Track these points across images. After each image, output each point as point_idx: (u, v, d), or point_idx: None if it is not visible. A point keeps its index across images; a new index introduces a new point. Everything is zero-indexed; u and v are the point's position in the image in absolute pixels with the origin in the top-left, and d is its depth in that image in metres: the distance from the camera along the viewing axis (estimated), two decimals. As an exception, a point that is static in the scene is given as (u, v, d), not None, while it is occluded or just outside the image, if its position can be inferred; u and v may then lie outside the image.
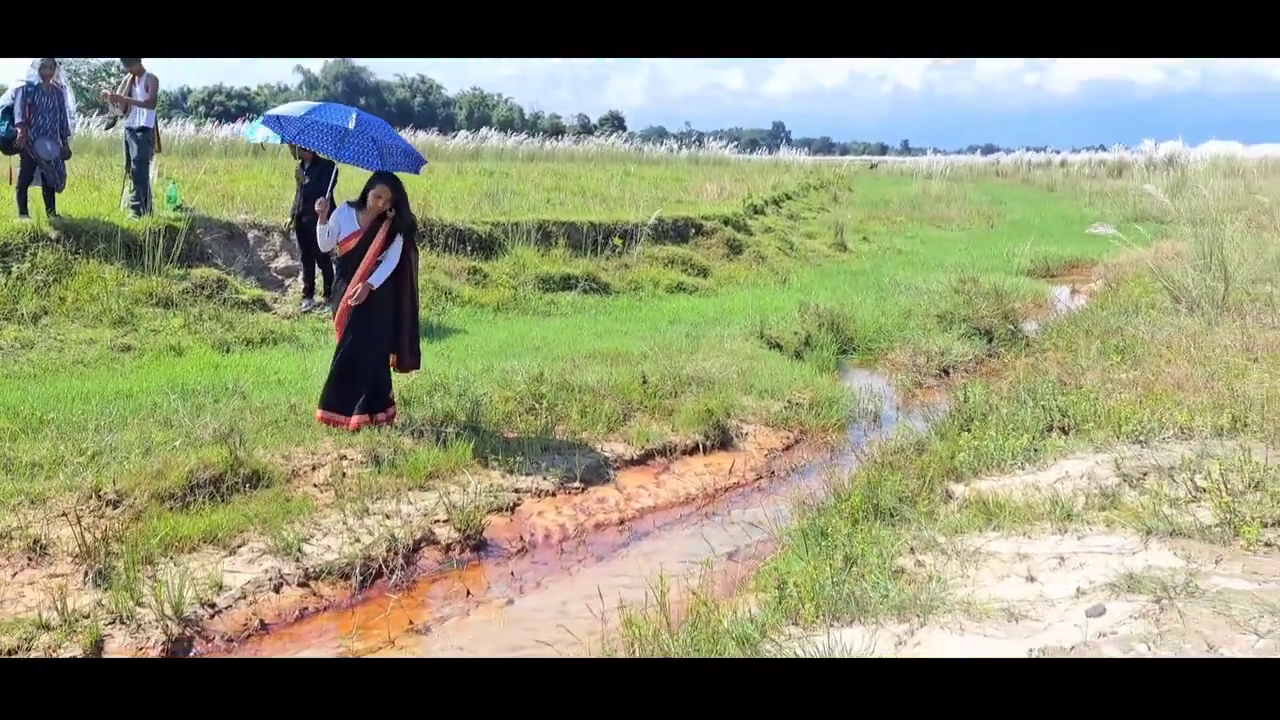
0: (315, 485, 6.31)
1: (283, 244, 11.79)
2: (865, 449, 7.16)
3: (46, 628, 4.55)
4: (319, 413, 7.06)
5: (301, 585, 5.29)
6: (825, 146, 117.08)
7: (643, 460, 7.51)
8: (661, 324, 11.55)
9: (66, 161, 10.66)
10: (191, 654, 4.68)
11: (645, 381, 8.49)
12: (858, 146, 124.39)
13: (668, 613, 4.34)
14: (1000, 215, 28.24)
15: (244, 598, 5.09)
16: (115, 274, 9.90)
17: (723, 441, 7.93)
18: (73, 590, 4.87)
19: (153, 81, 11.20)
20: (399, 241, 7.10)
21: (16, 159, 10.25)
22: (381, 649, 4.84)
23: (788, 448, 8.09)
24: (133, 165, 11.31)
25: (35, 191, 10.41)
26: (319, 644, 4.90)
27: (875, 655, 3.70)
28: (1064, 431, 6.54)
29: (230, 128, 27.56)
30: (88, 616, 4.66)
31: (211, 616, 4.91)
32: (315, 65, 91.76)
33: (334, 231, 7.11)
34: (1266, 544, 4.41)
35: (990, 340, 11.37)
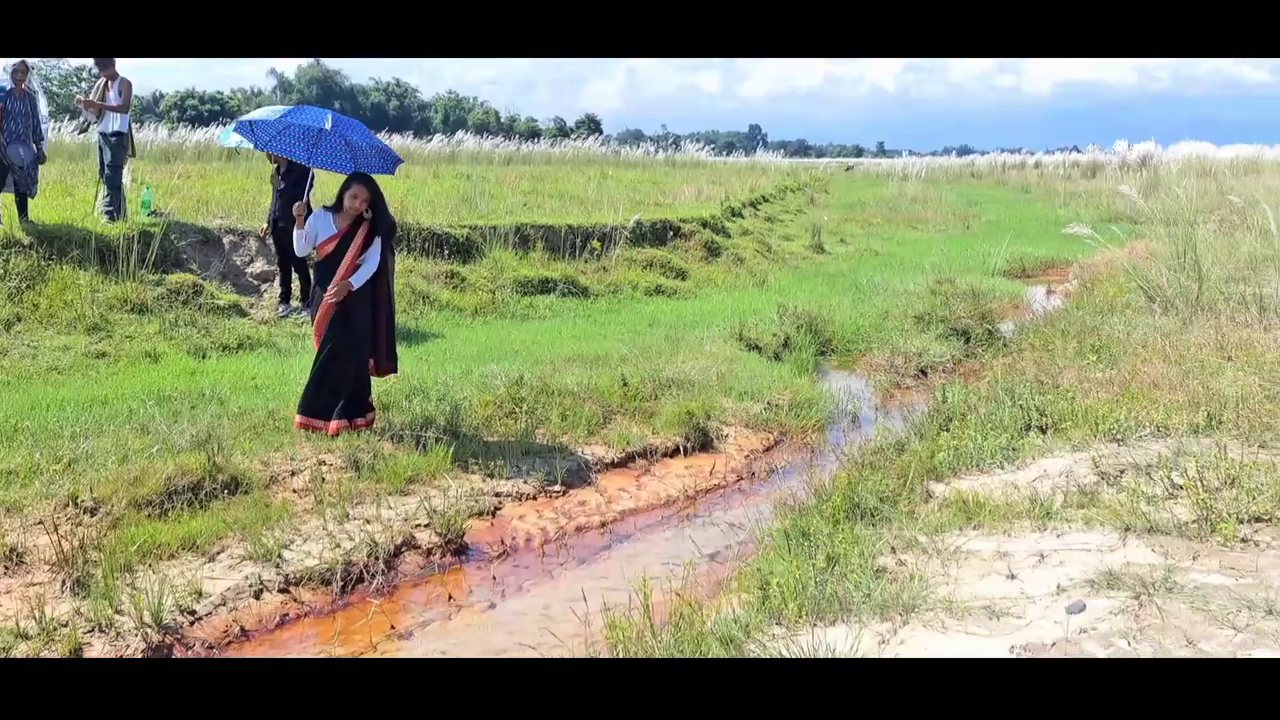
0: (295, 491, 6.28)
1: (259, 249, 11.72)
2: (845, 449, 7.19)
3: (25, 636, 4.51)
4: (298, 418, 7.01)
5: (282, 591, 5.26)
6: (801, 149, 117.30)
7: (623, 463, 7.51)
8: (641, 326, 11.56)
9: (40, 167, 10.57)
10: (171, 662, 4.65)
11: (625, 384, 8.49)
12: (834, 149, 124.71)
13: (651, 614, 4.34)
14: (976, 216, 28.42)
15: (224, 604, 5.06)
16: (89, 280, 9.82)
17: (703, 443, 7.94)
18: (50, 599, 4.81)
19: (126, 85, 11.10)
20: (378, 244, 7.07)
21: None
22: (364, 654, 4.82)
23: (768, 449, 8.11)
24: (106, 170, 11.22)
25: (8, 198, 10.32)
26: (300, 650, 4.87)
27: (859, 653, 3.72)
28: (1042, 431, 6.59)
29: (204, 132, 27.38)
30: (66, 625, 4.61)
31: (191, 624, 4.87)
32: (289, 69, 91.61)
33: (311, 236, 7.06)
34: (1243, 540, 4.47)
35: (968, 341, 11.43)
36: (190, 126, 31.78)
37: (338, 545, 5.66)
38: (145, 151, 19.61)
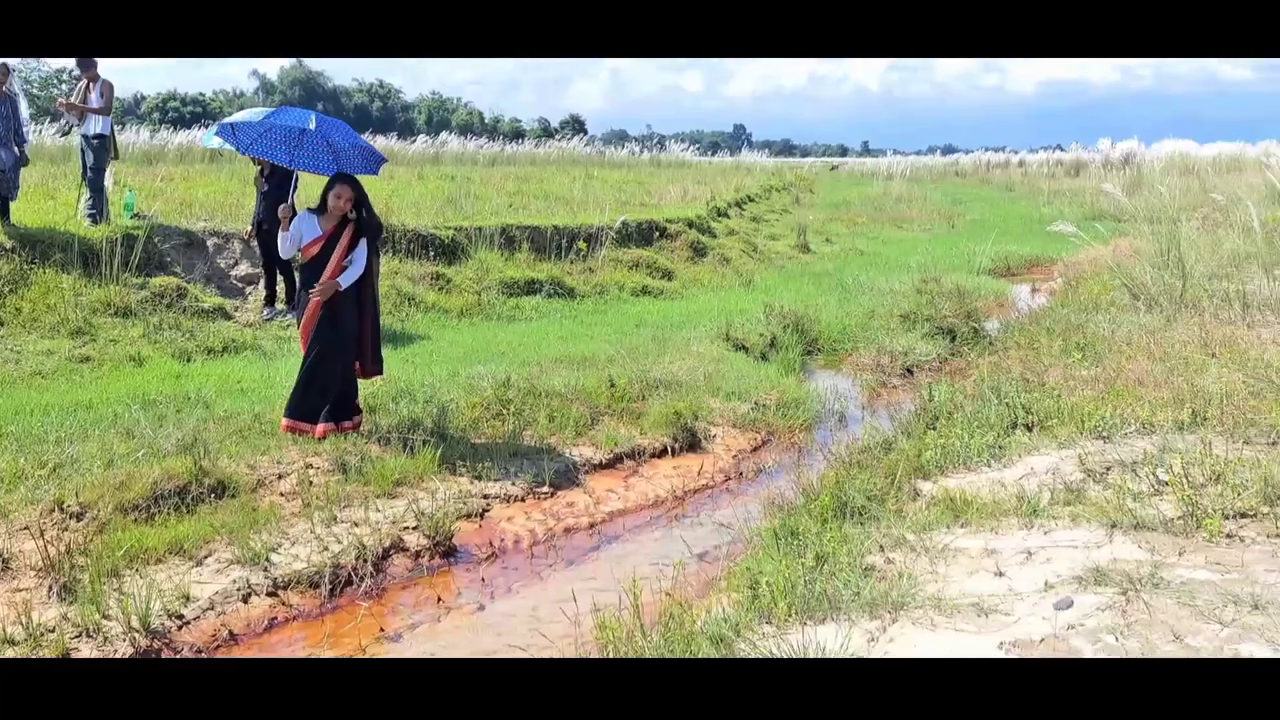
0: (282, 494, 6.25)
1: (243, 251, 11.67)
2: (833, 449, 7.20)
3: (11, 642, 4.48)
4: (284, 421, 6.98)
5: (270, 595, 5.24)
6: (786, 148, 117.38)
7: (611, 464, 7.50)
8: (627, 327, 11.56)
9: (22, 169, 10.50)
10: (159, 667, 4.63)
11: (613, 385, 8.48)
12: (818, 148, 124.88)
13: (641, 614, 4.34)
14: (961, 215, 28.52)
15: (212, 609, 5.03)
16: (72, 283, 9.77)
17: (691, 444, 7.95)
18: (37, 604, 4.79)
19: (108, 87, 11.05)
20: (364, 245, 7.04)
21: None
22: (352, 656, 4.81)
23: (755, 449, 8.12)
24: (89, 173, 11.15)
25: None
26: (289, 653, 4.85)
27: (849, 651, 3.72)
28: (1028, 428, 6.61)
29: (186, 134, 27.27)
30: (53, 630, 4.59)
31: (179, 628, 4.85)
32: (272, 70, 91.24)
33: (296, 238, 7.03)
34: (1228, 535, 4.50)
35: (953, 339, 11.47)
36: (172, 128, 31.71)
37: (325, 548, 5.64)
38: (127, 154, 19.51)
